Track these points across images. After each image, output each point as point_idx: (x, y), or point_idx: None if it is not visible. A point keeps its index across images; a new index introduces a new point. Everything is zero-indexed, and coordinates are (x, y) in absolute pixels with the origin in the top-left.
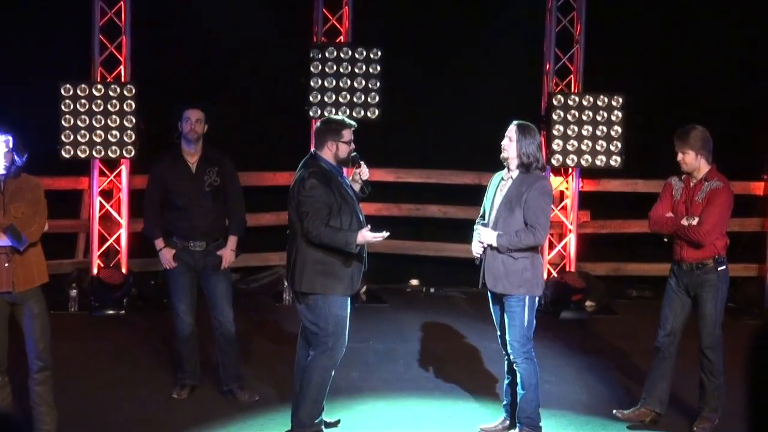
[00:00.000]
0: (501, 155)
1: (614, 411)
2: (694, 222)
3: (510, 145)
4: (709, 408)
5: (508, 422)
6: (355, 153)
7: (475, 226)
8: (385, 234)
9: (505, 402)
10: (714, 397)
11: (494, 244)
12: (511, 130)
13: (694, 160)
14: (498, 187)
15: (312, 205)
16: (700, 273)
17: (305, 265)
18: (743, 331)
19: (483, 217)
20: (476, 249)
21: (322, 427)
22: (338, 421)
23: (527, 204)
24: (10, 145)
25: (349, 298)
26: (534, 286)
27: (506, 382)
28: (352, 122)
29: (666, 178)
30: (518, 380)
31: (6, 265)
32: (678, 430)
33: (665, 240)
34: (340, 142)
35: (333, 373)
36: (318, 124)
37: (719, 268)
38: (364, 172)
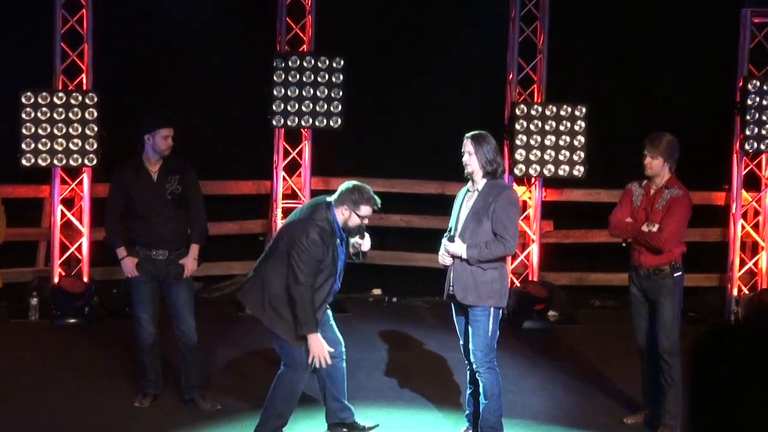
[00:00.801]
0: (466, 171)
1: (624, 419)
2: (654, 229)
3: (471, 159)
4: (670, 415)
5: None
6: (364, 229)
7: (442, 241)
8: (329, 359)
9: (467, 411)
10: (674, 403)
11: (464, 256)
12: (467, 144)
13: (659, 167)
14: (464, 200)
15: (308, 260)
16: (657, 278)
17: (263, 289)
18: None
19: (450, 231)
20: (443, 261)
21: None
22: (376, 425)
23: (495, 215)
24: None
25: None
26: (501, 297)
27: (469, 391)
28: (379, 203)
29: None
30: (481, 390)
31: None
32: None
33: (623, 245)
34: (356, 213)
35: (300, 387)
36: (349, 183)
37: (675, 275)
38: (366, 245)
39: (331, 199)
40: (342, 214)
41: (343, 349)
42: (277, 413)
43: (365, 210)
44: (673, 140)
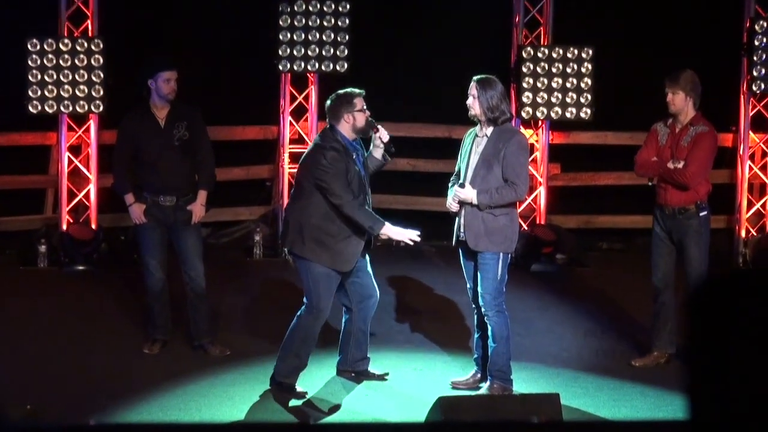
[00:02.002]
0: (469, 114)
1: (632, 361)
2: (680, 165)
3: (474, 103)
4: None
5: (479, 376)
6: (371, 118)
7: (449, 185)
8: (415, 237)
9: (476, 356)
10: None
11: (475, 202)
12: (472, 87)
13: (683, 102)
14: (473, 144)
15: (335, 177)
16: (683, 218)
17: (301, 228)
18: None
19: (458, 175)
20: (452, 206)
21: (296, 384)
22: (386, 374)
23: (506, 160)
24: None
25: (335, 272)
26: (512, 242)
27: (477, 335)
28: (361, 90)
29: (636, 130)
30: (489, 333)
31: None
32: (675, 375)
33: (650, 184)
34: (355, 111)
35: (317, 330)
36: (328, 100)
37: (701, 214)
38: (384, 134)
39: (327, 123)
40: (347, 123)
41: (376, 302)
42: (294, 353)
43: (358, 102)
44: (693, 74)
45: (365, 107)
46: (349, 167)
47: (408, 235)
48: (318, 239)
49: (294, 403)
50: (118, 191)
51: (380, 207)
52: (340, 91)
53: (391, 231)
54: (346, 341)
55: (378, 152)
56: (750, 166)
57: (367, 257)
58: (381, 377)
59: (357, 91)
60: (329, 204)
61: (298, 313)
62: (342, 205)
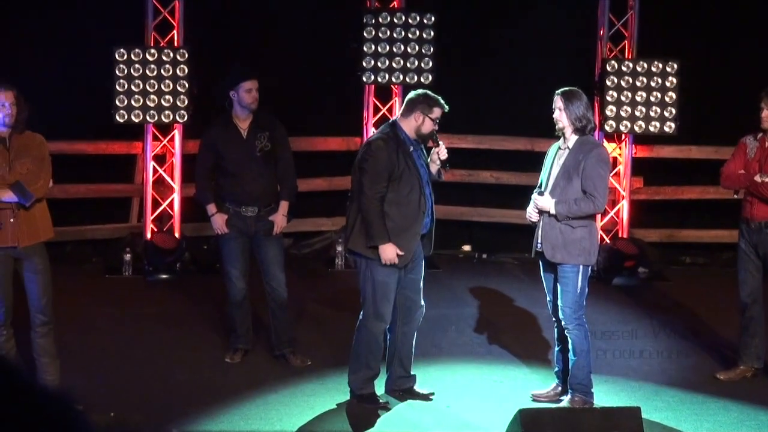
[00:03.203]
0: (556, 127)
1: (717, 374)
2: None
3: (561, 115)
4: None
5: (560, 389)
6: (436, 133)
7: (531, 196)
8: (395, 260)
9: (556, 368)
10: None
11: (552, 211)
12: (557, 101)
13: None
14: (555, 157)
15: (373, 166)
16: None
17: (360, 225)
18: None
19: (540, 187)
20: (532, 216)
21: (376, 393)
22: (432, 393)
23: (585, 172)
24: (13, 100)
25: (399, 269)
26: (591, 255)
27: (557, 348)
28: (446, 105)
29: (720, 145)
30: (570, 346)
31: (11, 220)
32: (761, 390)
33: (735, 196)
34: (428, 117)
35: (381, 338)
36: (413, 93)
37: None
38: (443, 151)
39: (395, 117)
40: (414, 121)
41: (421, 317)
42: (365, 364)
43: (437, 111)
44: None
45: (438, 121)
46: (398, 159)
47: (393, 259)
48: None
49: (372, 415)
50: (200, 201)
51: (462, 219)
52: (429, 92)
53: (384, 252)
54: (391, 360)
55: (434, 167)
56: None
57: (422, 271)
58: (426, 397)
59: (442, 101)
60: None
61: (357, 325)
62: (363, 197)
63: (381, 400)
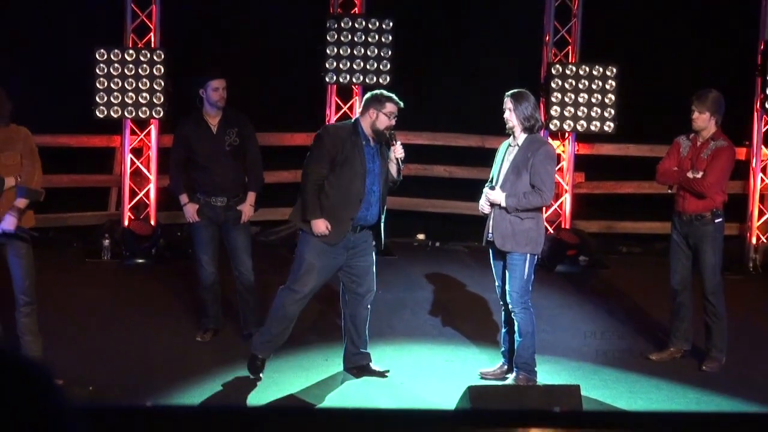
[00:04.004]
0: (507, 126)
1: (649, 355)
2: (699, 175)
3: (510, 115)
4: (717, 349)
5: (506, 367)
6: (392, 132)
7: (483, 190)
8: (325, 233)
9: (503, 349)
10: (720, 339)
11: (503, 204)
12: (507, 102)
13: (706, 121)
14: (505, 153)
15: (318, 147)
16: (699, 224)
17: (299, 200)
18: (726, 285)
19: (491, 181)
20: (484, 208)
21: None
22: (387, 371)
23: (534, 168)
24: None
25: (328, 247)
26: (537, 244)
27: (504, 330)
28: (399, 101)
29: (655, 143)
30: (516, 328)
31: None
32: (689, 370)
33: (669, 191)
34: (381, 112)
35: (295, 311)
36: (368, 93)
37: (716, 221)
38: (398, 150)
39: (357, 116)
40: (369, 118)
41: (371, 299)
42: (268, 328)
43: (390, 107)
44: (719, 96)
45: (393, 117)
46: (345, 147)
47: (323, 231)
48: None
49: (329, 393)
50: (173, 191)
51: (417, 210)
52: (382, 91)
53: (315, 225)
54: (344, 338)
55: (393, 167)
56: (762, 178)
57: (371, 260)
58: (381, 374)
59: (395, 98)
60: (334, 180)
61: (279, 290)
62: (304, 172)
63: (260, 375)
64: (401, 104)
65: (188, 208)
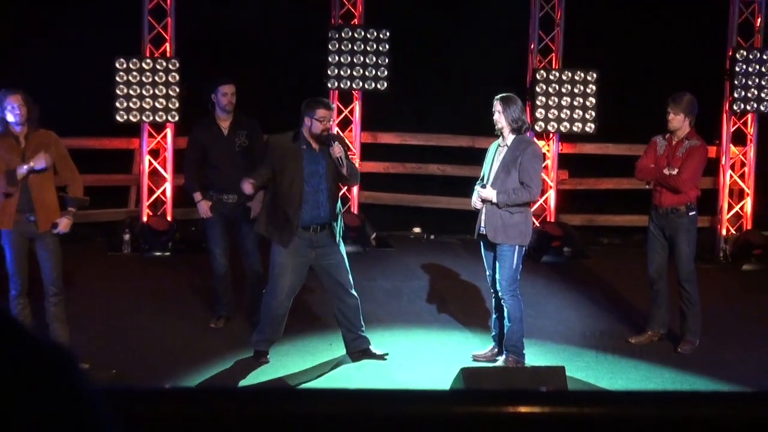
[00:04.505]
0: (496, 127)
1: (629, 339)
2: (674, 172)
3: (500, 117)
4: (691, 332)
5: (496, 350)
6: (328, 134)
7: (475, 187)
8: (208, 214)
9: (493, 333)
10: (693, 323)
11: (494, 200)
12: (496, 105)
13: (681, 122)
14: (495, 153)
15: (261, 158)
16: (674, 217)
17: (264, 210)
18: (699, 274)
19: (482, 179)
20: (476, 204)
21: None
22: (386, 354)
23: (522, 166)
24: (21, 102)
25: (293, 248)
26: (526, 236)
27: (494, 316)
28: (330, 104)
29: (634, 143)
30: (505, 314)
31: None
32: (665, 352)
33: (647, 186)
34: (314, 119)
35: (282, 311)
36: (303, 102)
37: (690, 213)
38: (334, 151)
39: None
40: (306, 125)
41: (353, 291)
42: (261, 327)
43: (320, 112)
44: (693, 99)
45: (326, 121)
46: (288, 157)
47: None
48: (269, 217)
49: (333, 374)
50: (188, 189)
51: (413, 205)
52: (312, 98)
53: (201, 207)
54: (340, 328)
55: (341, 167)
56: (731, 174)
57: (341, 258)
58: (381, 357)
59: (324, 102)
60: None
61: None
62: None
63: (263, 358)
64: (332, 107)
65: (202, 204)
